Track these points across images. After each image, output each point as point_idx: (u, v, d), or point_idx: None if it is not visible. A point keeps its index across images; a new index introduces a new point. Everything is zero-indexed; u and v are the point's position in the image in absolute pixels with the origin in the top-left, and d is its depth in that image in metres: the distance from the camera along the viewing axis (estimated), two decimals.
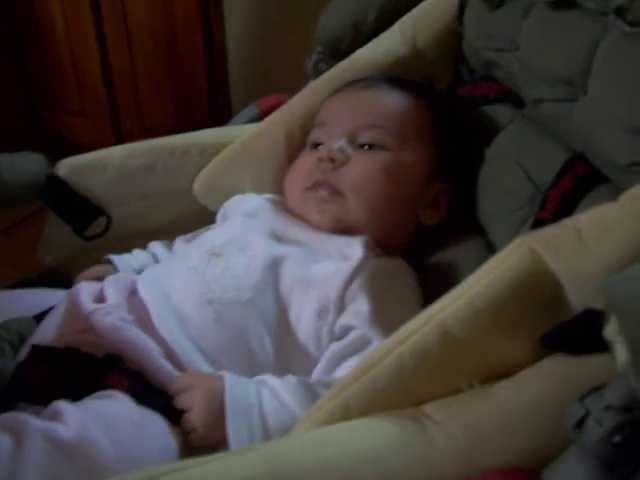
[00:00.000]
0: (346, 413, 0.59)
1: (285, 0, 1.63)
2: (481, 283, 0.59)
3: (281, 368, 0.74)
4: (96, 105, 1.91)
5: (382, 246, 0.82)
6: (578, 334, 0.57)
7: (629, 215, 0.56)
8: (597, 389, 0.51)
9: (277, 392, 0.68)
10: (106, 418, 0.64)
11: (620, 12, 0.64)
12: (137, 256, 0.92)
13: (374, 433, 0.57)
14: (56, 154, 0.96)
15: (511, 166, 0.81)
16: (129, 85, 1.87)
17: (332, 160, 0.84)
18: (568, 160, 0.74)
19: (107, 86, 1.89)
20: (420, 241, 0.87)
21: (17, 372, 0.71)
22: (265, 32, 1.69)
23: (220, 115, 1.75)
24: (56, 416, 0.62)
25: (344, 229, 0.82)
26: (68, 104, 1.97)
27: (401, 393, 0.59)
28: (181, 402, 0.68)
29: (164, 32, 1.76)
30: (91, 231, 0.96)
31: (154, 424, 0.66)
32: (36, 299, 0.86)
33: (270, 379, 0.70)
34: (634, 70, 0.64)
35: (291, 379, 0.70)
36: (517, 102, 0.85)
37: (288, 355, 0.75)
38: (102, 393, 0.67)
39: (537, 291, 0.58)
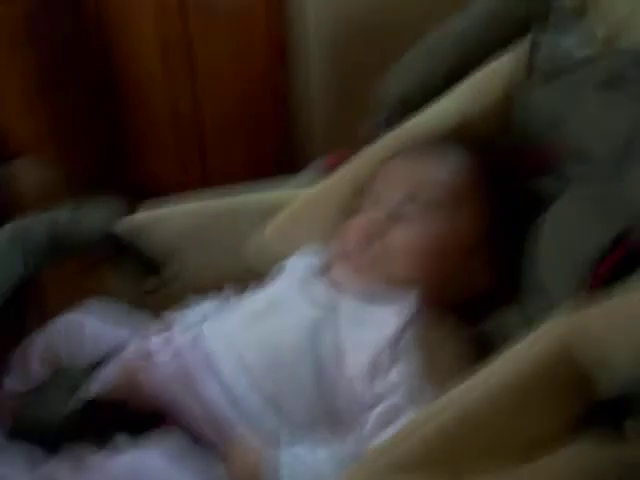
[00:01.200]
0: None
1: (364, 54, 1.64)
2: (507, 369, 0.59)
3: (314, 431, 0.76)
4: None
5: (432, 304, 0.82)
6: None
7: None
8: None
9: (310, 467, 0.70)
10: (134, 470, 0.68)
11: None
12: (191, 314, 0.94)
13: None
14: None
15: (558, 241, 0.80)
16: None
17: (384, 220, 0.86)
18: (615, 237, 0.72)
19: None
20: (462, 310, 0.87)
21: (65, 423, 0.76)
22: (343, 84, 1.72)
23: (289, 165, 1.79)
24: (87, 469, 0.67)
25: (385, 290, 0.83)
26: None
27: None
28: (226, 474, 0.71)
29: (238, 81, 1.82)
30: (148, 286, 0.99)
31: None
32: (102, 333, 0.90)
33: (302, 452, 0.71)
34: None
35: (322, 453, 0.71)
36: (565, 176, 0.85)
37: (322, 419, 0.77)
38: (141, 445, 0.71)
39: (564, 377, 0.58)
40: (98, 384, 0.80)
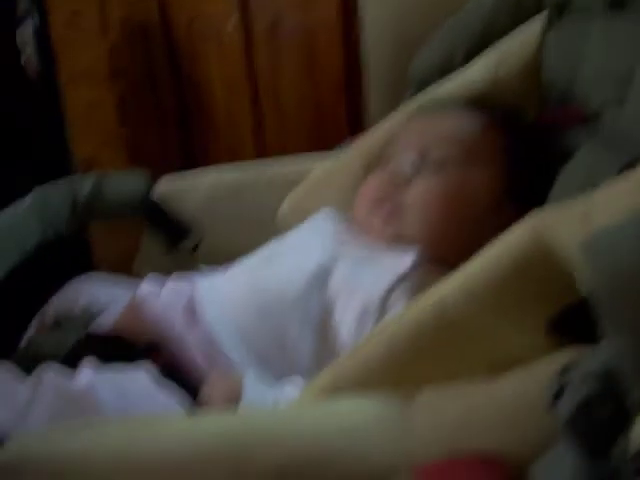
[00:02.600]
0: (337, 389, 0.58)
1: None
2: (480, 263, 0.56)
3: (318, 368, 0.73)
4: None
5: (446, 262, 0.79)
6: (584, 319, 0.52)
7: (633, 187, 0.51)
8: (579, 361, 0.47)
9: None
10: (119, 383, 0.68)
11: None
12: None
13: (352, 409, 0.55)
14: None
15: (575, 182, 0.76)
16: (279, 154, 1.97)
17: (397, 178, 0.85)
18: (620, 169, 0.69)
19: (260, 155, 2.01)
20: None
21: (70, 351, 0.77)
22: None
23: None
24: (75, 375, 0.68)
25: (402, 244, 0.82)
26: None
27: (394, 373, 0.57)
28: (201, 397, 0.71)
29: (312, 101, 1.87)
30: (183, 248, 1.02)
31: (166, 401, 0.68)
32: (115, 288, 0.93)
33: (295, 381, 0.70)
34: None
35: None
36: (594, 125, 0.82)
37: (326, 357, 0.74)
38: (129, 366, 0.71)
39: (540, 272, 0.53)
40: (106, 317, 0.82)
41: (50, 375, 0.67)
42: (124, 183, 1.01)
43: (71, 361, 0.74)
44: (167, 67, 2.15)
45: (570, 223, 0.53)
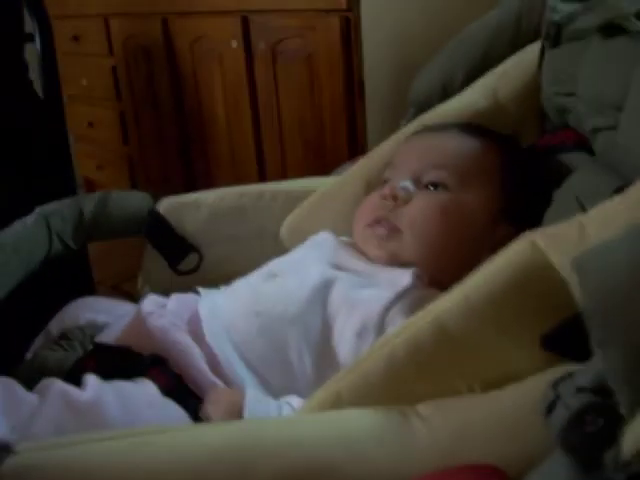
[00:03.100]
0: (337, 403, 0.59)
1: None
2: (479, 279, 0.58)
3: (319, 385, 0.75)
4: None
5: (441, 284, 0.81)
6: (578, 335, 0.54)
7: (630, 204, 0.53)
8: (572, 374, 0.48)
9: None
10: (125, 394, 0.69)
11: None
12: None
13: (352, 420, 0.56)
14: None
15: (571, 203, 0.78)
16: (279, 174, 1.99)
17: (394, 198, 0.86)
18: (615, 190, 0.70)
19: (260, 175, 2.04)
20: None
21: (75, 364, 0.78)
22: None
23: None
24: (81, 385, 0.69)
25: (399, 265, 0.84)
26: None
27: (394, 388, 0.58)
28: (204, 412, 0.72)
29: (312, 123, 1.89)
30: (185, 267, 1.03)
31: (172, 412, 0.70)
32: (118, 307, 0.94)
33: (295, 400, 0.72)
34: None
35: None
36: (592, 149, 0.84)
37: (327, 373, 0.75)
38: (134, 379, 0.72)
39: (539, 287, 0.55)
40: (109, 333, 0.83)
41: (57, 385, 0.69)
42: (128, 200, 1.02)
43: (76, 374, 0.76)
44: (169, 87, 2.17)
45: (567, 239, 0.55)
